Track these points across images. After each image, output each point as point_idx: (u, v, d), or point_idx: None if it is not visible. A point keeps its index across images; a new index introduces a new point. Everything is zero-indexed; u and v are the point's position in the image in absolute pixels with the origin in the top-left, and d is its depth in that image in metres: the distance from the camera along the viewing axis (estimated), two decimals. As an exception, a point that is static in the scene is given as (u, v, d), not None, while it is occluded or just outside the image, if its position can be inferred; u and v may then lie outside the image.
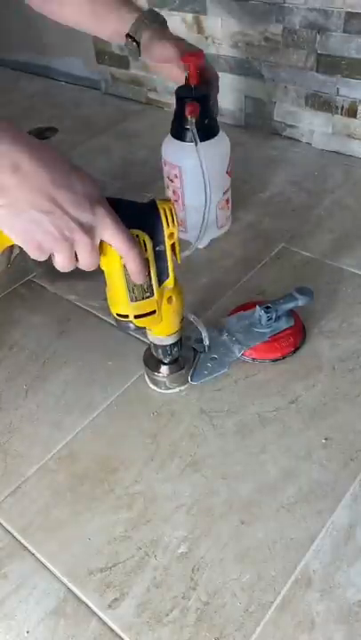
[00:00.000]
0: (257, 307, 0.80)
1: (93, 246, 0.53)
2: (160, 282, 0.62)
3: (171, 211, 0.57)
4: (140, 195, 0.96)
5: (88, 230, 0.52)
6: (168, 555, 0.61)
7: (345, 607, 0.56)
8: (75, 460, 0.70)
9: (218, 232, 1.01)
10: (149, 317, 0.64)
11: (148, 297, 0.62)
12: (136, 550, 0.61)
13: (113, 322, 0.66)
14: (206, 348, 0.78)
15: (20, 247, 0.52)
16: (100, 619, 0.57)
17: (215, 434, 0.71)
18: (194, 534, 0.62)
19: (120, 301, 0.62)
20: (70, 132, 1.40)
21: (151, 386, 0.77)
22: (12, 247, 0.80)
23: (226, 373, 0.78)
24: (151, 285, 0.61)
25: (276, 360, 0.79)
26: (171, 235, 0.58)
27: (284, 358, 0.79)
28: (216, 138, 0.94)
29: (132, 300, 0.61)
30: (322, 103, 1.20)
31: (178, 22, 1.31)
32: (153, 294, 0.62)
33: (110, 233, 0.53)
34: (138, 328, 0.65)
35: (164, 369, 0.75)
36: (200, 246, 0.81)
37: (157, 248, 0.59)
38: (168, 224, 0.57)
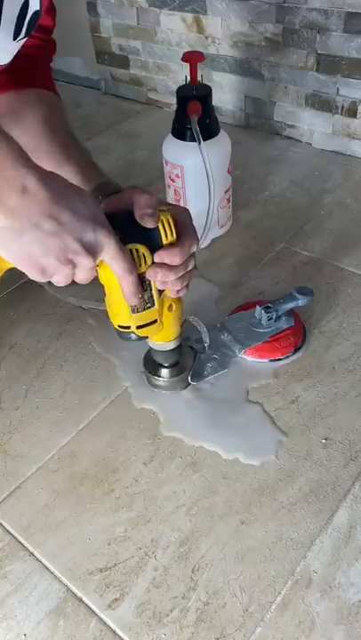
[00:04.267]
0: (257, 307, 0.80)
1: (93, 267, 0.53)
2: (160, 291, 0.61)
3: (169, 222, 0.56)
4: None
5: (90, 252, 0.51)
6: (168, 555, 0.61)
7: (345, 607, 0.56)
8: (75, 459, 0.70)
9: (218, 232, 1.01)
10: (151, 327, 0.63)
11: (149, 307, 0.61)
12: (136, 550, 0.61)
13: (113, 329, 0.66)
14: (206, 348, 0.78)
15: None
16: (100, 619, 0.57)
17: (215, 433, 0.71)
18: (194, 534, 0.62)
19: (121, 313, 0.62)
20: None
21: (152, 389, 0.77)
22: None
23: (226, 373, 0.78)
24: (152, 296, 0.60)
25: (277, 360, 0.79)
26: (169, 245, 0.58)
27: (284, 358, 0.79)
28: (217, 137, 0.94)
29: (133, 312, 0.61)
30: (322, 103, 1.20)
31: (178, 22, 1.31)
32: (154, 304, 0.61)
33: (110, 255, 0.53)
34: (140, 338, 0.65)
35: (164, 372, 0.75)
36: (202, 246, 0.81)
37: (157, 260, 0.58)
38: (167, 235, 0.56)
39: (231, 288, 0.91)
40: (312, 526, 0.62)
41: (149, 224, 0.55)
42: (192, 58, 0.90)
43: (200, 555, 0.60)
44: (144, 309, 0.61)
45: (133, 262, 0.55)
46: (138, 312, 0.61)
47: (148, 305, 0.61)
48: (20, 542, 0.63)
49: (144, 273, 0.57)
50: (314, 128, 1.24)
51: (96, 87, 1.60)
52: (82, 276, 0.53)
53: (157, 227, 0.56)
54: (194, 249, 0.60)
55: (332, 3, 1.07)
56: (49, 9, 0.70)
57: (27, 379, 0.80)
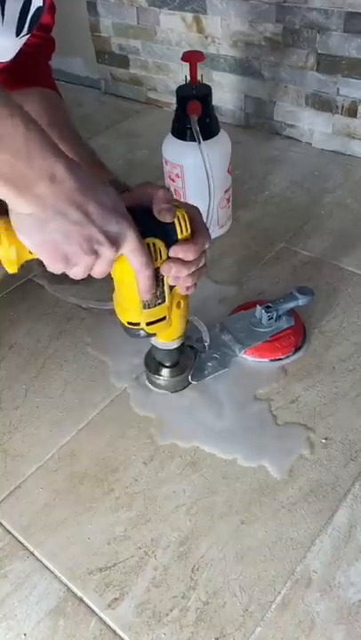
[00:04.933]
0: (258, 306, 0.80)
1: (113, 259, 0.53)
2: (171, 288, 0.61)
3: (184, 217, 0.56)
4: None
5: (114, 243, 0.51)
6: (168, 555, 0.61)
7: (345, 607, 0.56)
8: (75, 459, 0.70)
9: (219, 231, 1.01)
10: (160, 323, 0.64)
11: (159, 304, 0.61)
12: (136, 550, 0.61)
13: (118, 326, 0.66)
14: (207, 348, 0.78)
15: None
16: (100, 619, 0.57)
17: (215, 433, 0.71)
18: (194, 534, 0.62)
19: (132, 309, 0.62)
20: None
21: (152, 388, 0.77)
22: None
23: (226, 373, 0.78)
24: (163, 292, 0.60)
25: (277, 360, 0.79)
26: (183, 240, 0.58)
27: (284, 358, 0.79)
28: (217, 137, 0.94)
29: (145, 308, 0.61)
30: (322, 103, 1.20)
31: (178, 22, 1.31)
32: (165, 301, 0.61)
33: (131, 248, 0.53)
34: (148, 335, 0.65)
35: (165, 372, 0.75)
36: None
37: (171, 255, 0.58)
38: (182, 230, 0.57)
39: (231, 288, 0.91)
40: (312, 526, 0.62)
41: (168, 218, 0.55)
42: (192, 57, 0.90)
43: (200, 554, 0.60)
44: (155, 305, 0.61)
45: (151, 256, 0.55)
46: (149, 308, 0.61)
47: (159, 301, 0.61)
48: (19, 542, 0.63)
49: (158, 268, 0.57)
50: (314, 128, 1.24)
51: (96, 87, 1.60)
52: (100, 269, 0.53)
53: (173, 222, 0.56)
54: (206, 245, 0.60)
55: (332, 3, 1.07)
56: (50, 6, 0.70)
57: (27, 378, 0.80)
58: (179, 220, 0.56)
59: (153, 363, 0.76)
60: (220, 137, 0.95)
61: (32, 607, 0.58)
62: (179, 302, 0.64)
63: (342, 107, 1.17)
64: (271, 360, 0.79)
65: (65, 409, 0.76)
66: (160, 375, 0.75)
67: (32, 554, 0.62)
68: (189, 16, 1.28)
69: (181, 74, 1.34)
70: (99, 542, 0.62)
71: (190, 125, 0.88)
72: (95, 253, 0.50)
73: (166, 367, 0.75)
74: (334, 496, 0.64)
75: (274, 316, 0.79)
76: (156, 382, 0.76)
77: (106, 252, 0.51)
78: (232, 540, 0.61)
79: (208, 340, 0.77)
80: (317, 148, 1.26)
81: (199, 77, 0.91)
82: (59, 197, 0.46)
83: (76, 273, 0.52)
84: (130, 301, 0.60)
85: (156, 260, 0.56)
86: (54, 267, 0.51)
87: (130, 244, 0.52)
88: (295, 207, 1.09)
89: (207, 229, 0.60)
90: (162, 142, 0.97)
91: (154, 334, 0.65)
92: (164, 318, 0.63)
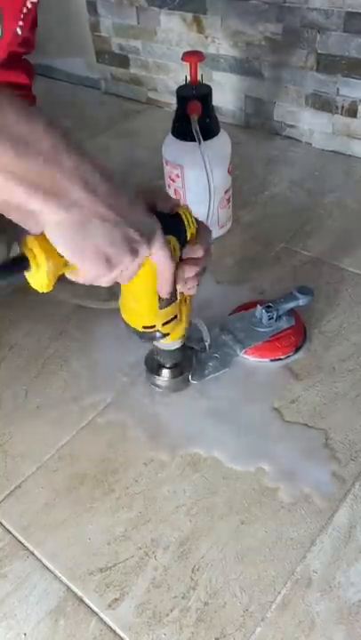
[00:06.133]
0: (258, 306, 0.80)
1: (144, 258, 0.53)
2: None
3: (190, 214, 0.58)
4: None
5: (148, 240, 0.51)
6: (168, 555, 0.61)
7: (345, 607, 0.56)
8: (75, 459, 0.70)
9: (219, 231, 1.01)
10: (173, 322, 0.64)
11: (173, 301, 0.62)
12: (136, 550, 0.61)
13: (129, 333, 0.65)
14: (207, 348, 0.78)
15: (19, 246, 0.51)
16: (101, 619, 0.57)
17: (215, 433, 0.71)
18: (194, 534, 0.62)
19: (148, 312, 0.62)
20: (70, 131, 1.40)
21: (153, 388, 0.77)
22: (10, 247, 0.80)
23: (227, 373, 0.78)
24: (175, 289, 0.61)
25: (277, 360, 0.79)
26: (190, 236, 0.58)
27: (285, 358, 0.79)
28: (217, 137, 0.94)
29: (161, 308, 0.61)
30: (322, 103, 1.20)
31: (178, 22, 1.31)
32: (177, 298, 0.62)
33: (159, 245, 0.53)
34: (163, 335, 0.65)
35: (165, 372, 0.75)
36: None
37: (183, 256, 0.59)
38: (190, 226, 0.57)
39: (232, 288, 0.91)
40: (312, 526, 0.62)
41: (180, 210, 0.56)
42: (192, 57, 0.90)
43: (200, 555, 0.60)
44: (169, 304, 0.62)
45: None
46: (164, 308, 0.61)
47: (173, 299, 0.62)
48: (20, 542, 0.63)
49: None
50: (314, 128, 1.24)
51: (96, 87, 1.60)
52: (133, 269, 0.52)
53: (181, 218, 0.56)
54: (211, 241, 0.60)
55: (332, 3, 1.07)
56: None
57: (27, 379, 0.80)
58: (185, 215, 0.57)
59: (153, 363, 0.76)
60: (221, 137, 0.95)
61: (32, 607, 0.58)
62: (185, 299, 0.65)
63: (342, 107, 1.17)
64: (272, 360, 0.79)
65: (65, 409, 0.76)
66: (161, 376, 0.75)
67: (32, 554, 0.62)
68: (189, 16, 1.28)
69: (182, 74, 1.34)
70: (99, 542, 0.62)
71: (190, 125, 0.88)
72: (134, 252, 0.50)
73: (167, 368, 0.75)
74: (334, 496, 0.64)
75: (274, 316, 0.79)
76: (157, 383, 0.76)
77: (144, 249, 0.51)
78: (232, 540, 0.61)
79: (209, 340, 0.78)
80: (317, 148, 1.26)
81: (199, 77, 0.91)
82: (95, 199, 0.46)
83: (112, 277, 0.52)
84: (147, 304, 0.61)
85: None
86: (95, 272, 0.50)
87: (159, 241, 0.52)
88: (295, 207, 1.09)
89: (206, 225, 0.61)
90: (162, 142, 0.97)
91: (168, 334, 0.66)
92: (175, 317, 0.64)
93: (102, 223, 0.47)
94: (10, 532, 0.64)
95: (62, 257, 0.48)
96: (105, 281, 0.52)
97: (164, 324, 0.63)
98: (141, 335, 0.65)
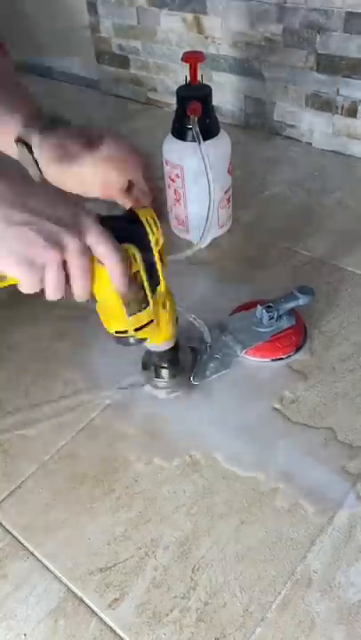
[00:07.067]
0: (258, 306, 0.80)
1: (84, 249, 0.49)
2: (153, 291, 0.60)
3: (153, 218, 0.55)
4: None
5: (72, 230, 0.48)
6: (168, 555, 0.61)
7: (345, 607, 0.56)
8: (75, 460, 0.70)
9: (219, 231, 1.01)
10: (148, 327, 0.63)
11: (145, 307, 0.60)
12: (136, 550, 0.61)
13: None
14: (208, 348, 0.78)
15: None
16: (101, 619, 0.57)
17: (216, 433, 0.71)
18: (194, 534, 0.62)
19: (116, 318, 0.60)
20: None
21: (152, 390, 0.77)
22: None
23: (228, 373, 0.78)
24: (146, 295, 0.59)
25: (278, 359, 0.79)
26: (157, 241, 0.57)
27: (285, 358, 0.79)
28: (217, 137, 0.94)
29: (129, 315, 0.60)
30: (322, 103, 1.20)
31: (178, 22, 1.31)
32: (148, 304, 0.60)
33: (94, 234, 0.49)
34: (139, 341, 0.64)
35: (164, 373, 0.75)
36: (202, 246, 0.82)
37: (146, 258, 0.57)
38: (153, 231, 0.55)
39: (232, 288, 0.91)
40: (312, 526, 0.62)
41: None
42: (192, 58, 0.90)
43: (200, 555, 0.60)
44: (139, 311, 0.60)
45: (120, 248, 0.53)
46: (134, 314, 0.60)
47: (144, 305, 0.60)
48: (20, 542, 0.63)
49: (136, 273, 0.56)
50: (314, 128, 1.24)
51: (96, 87, 1.60)
52: (76, 262, 0.49)
53: (142, 224, 0.55)
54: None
55: (332, 3, 1.07)
56: None
57: (27, 379, 0.80)
58: (147, 221, 0.55)
59: (152, 364, 0.76)
60: (221, 137, 0.95)
61: (32, 607, 0.58)
62: (164, 302, 0.63)
63: (342, 107, 1.17)
64: (272, 360, 0.79)
65: (65, 409, 0.76)
66: (160, 377, 0.75)
67: (32, 554, 0.62)
68: (190, 16, 1.28)
69: (182, 74, 1.34)
70: (99, 542, 0.62)
71: (190, 126, 0.88)
72: (58, 245, 0.47)
73: (165, 369, 0.75)
74: (334, 496, 0.64)
75: (275, 316, 0.79)
76: (157, 384, 0.76)
77: (69, 240, 0.48)
78: (232, 540, 0.61)
79: (209, 341, 0.78)
80: (317, 148, 1.26)
81: (199, 78, 0.91)
82: None
83: (51, 280, 0.49)
84: (113, 311, 0.59)
85: (131, 265, 0.55)
86: (25, 277, 0.48)
87: (92, 230, 0.49)
88: (295, 207, 1.09)
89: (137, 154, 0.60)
90: (162, 142, 0.97)
91: (145, 339, 0.65)
92: (151, 321, 0.62)
93: (10, 226, 0.45)
94: (10, 533, 0.64)
95: None
96: (48, 283, 0.49)
97: (137, 330, 0.62)
98: (117, 340, 0.64)
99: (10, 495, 0.67)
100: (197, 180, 0.92)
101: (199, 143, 0.85)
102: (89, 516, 0.64)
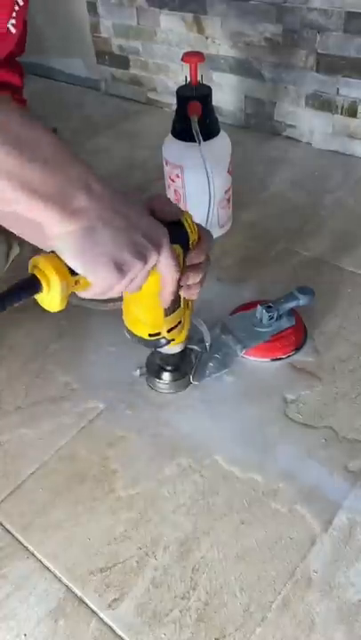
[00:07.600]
0: (258, 306, 0.80)
1: (153, 266, 0.51)
2: None
3: (192, 219, 0.57)
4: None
5: (157, 247, 0.50)
6: (168, 555, 0.61)
7: (345, 607, 0.56)
8: (75, 460, 0.70)
9: (219, 231, 1.01)
10: (177, 328, 0.64)
11: (177, 308, 0.62)
12: (136, 550, 0.61)
13: (133, 341, 0.65)
14: (208, 348, 0.78)
15: (19, 246, 0.50)
16: (100, 619, 0.57)
17: (216, 434, 0.71)
18: (194, 534, 0.62)
19: (155, 321, 0.62)
20: (70, 132, 1.40)
21: (153, 390, 0.77)
22: (10, 246, 0.80)
23: (227, 373, 0.78)
24: (179, 296, 0.60)
25: (278, 359, 0.79)
26: (193, 242, 0.58)
27: (285, 357, 0.79)
28: (217, 137, 0.94)
29: (166, 315, 0.61)
30: (322, 103, 1.20)
31: (178, 22, 1.31)
32: (180, 305, 0.62)
33: (167, 253, 0.51)
34: (168, 342, 0.65)
35: (166, 375, 0.75)
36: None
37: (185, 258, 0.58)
38: (192, 231, 0.57)
39: (232, 288, 0.91)
40: (312, 526, 0.62)
41: (181, 216, 0.55)
42: (192, 58, 0.90)
43: (200, 555, 0.60)
44: (173, 311, 0.61)
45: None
46: (169, 315, 0.61)
47: (177, 306, 0.61)
48: (20, 542, 0.63)
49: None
50: (314, 128, 1.24)
51: (96, 87, 1.60)
52: (143, 277, 0.51)
53: (184, 225, 0.56)
54: (212, 244, 0.59)
55: (332, 3, 1.07)
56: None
57: (27, 379, 0.80)
58: (187, 221, 0.56)
59: (154, 366, 0.76)
60: (220, 137, 0.95)
61: (32, 607, 0.58)
62: (188, 303, 0.65)
63: (342, 107, 1.17)
64: (272, 360, 0.79)
65: (65, 409, 0.76)
66: (162, 378, 0.75)
67: (32, 554, 0.62)
68: (189, 16, 1.28)
69: (182, 74, 1.34)
70: (99, 542, 0.62)
71: (190, 126, 0.88)
72: (145, 259, 0.49)
73: (168, 370, 0.75)
74: (334, 496, 0.64)
75: (275, 316, 0.79)
76: (158, 384, 0.76)
77: (152, 256, 0.50)
78: (232, 540, 0.61)
79: (209, 341, 0.77)
80: (317, 148, 1.26)
81: (199, 78, 0.91)
82: (98, 208, 0.45)
83: (123, 286, 0.50)
84: (153, 312, 0.60)
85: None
86: (108, 281, 0.48)
87: (167, 249, 0.51)
88: (295, 207, 1.09)
89: (207, 229, 0.60)
90: (162, 143, 0.97)
91: (173, 339, 0.66)
92: (180, 322, 0.64)
93: (110, 228, 0.46)
94: (10, 532, 0.64)
95: (72, 275, 0.47)
96: (117, 290, 0.50)
97: (169, 331, 0.63)
98: (147, 343, 0.64)
99: (10, 495, 0.67)
100: (197, 181, 0.92)
101: (199, 143, 0.85)
102: (89, 516, 0.64)
